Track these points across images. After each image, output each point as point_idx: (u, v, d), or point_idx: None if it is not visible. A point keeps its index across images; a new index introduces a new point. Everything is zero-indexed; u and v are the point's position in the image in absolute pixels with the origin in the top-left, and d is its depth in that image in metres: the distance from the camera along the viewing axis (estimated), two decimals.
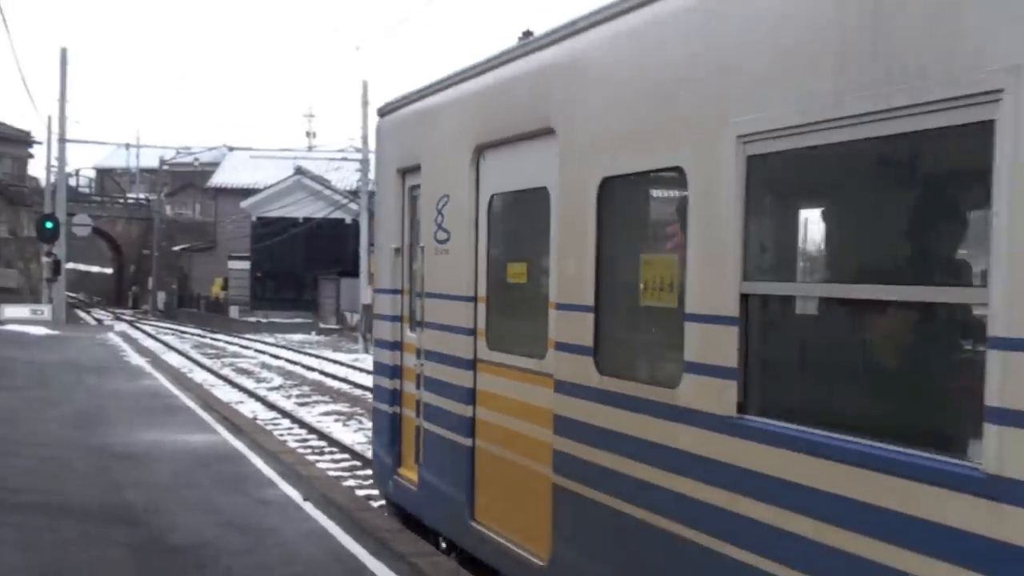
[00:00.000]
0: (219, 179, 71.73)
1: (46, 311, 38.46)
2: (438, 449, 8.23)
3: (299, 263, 57.66)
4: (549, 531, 6.42)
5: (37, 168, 79.65)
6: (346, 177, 57.74)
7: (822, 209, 5.05)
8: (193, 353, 35.63)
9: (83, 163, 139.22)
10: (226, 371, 29.16)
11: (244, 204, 60.74)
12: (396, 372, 9.31)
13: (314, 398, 22.78)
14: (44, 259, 41.26)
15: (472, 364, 7.66)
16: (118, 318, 62.65)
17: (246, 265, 60.61)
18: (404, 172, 9.24)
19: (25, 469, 11.00)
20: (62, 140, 43.65)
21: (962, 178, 4.20)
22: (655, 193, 5.93)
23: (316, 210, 56.31)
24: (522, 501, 6.86)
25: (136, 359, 24.03)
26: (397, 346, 9.32)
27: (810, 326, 4.87)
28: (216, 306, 61.28)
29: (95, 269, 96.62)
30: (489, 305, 7.56)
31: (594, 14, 6.12)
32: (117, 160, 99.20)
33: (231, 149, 69.33)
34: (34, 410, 15.33)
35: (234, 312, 57.06)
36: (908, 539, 3.87)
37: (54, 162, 46.79)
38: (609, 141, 5.87)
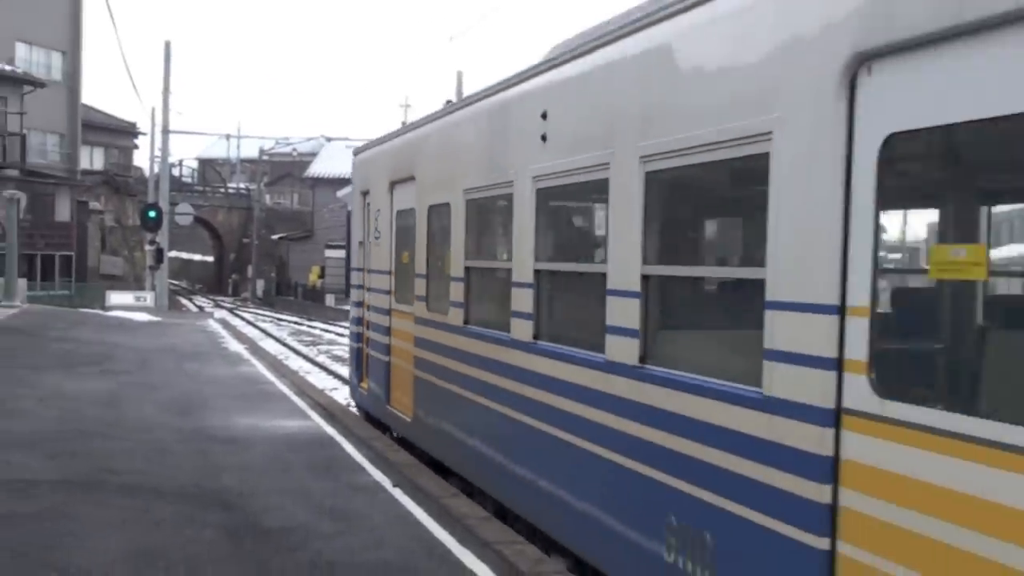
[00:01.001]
0: (316, 169, 72.70)
1: (149, 298, 39.40)
2: (375, 366, 13.49)
3: None
4: (412, 402, 11.60)
5: (141, 158, 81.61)
6: None
7: (500, 226, 9.48)
8: (290, 340, 36.24)
9: (186, 153, 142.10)
10: (321, 358, 29.61)
11: (340, 193, 61.48)
12: (360, 321, 14.53)
13: None
14: (148, 247, 42.24)
15: (388, 312, 12.83)
16: (218, 305, 63.99)
17: (342, 254, 61.34)
18: (364, 193, 14.31)
19: (126, 451, 11.31)
20: (165, 131, 44.59)
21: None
22: (444, 215, 10.39)
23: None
24: (406, 389, 11.87)
25: (234, 346, 24.51)
26: (360, 304, 14.54)
27: (483, 282, 9.75)
28: (313, 294, 62.23)
29: (197, 257, 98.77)
30: (395, 276, 12.65)
31: (426, 117, 11.49)
32: (218, 150, 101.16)
33: (328, 139, 70.15)
34: (136, 394, 15.74)
35: (330, 300, 57.88)
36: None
37: (158, 152, 47.85)
38: (431, 186, 10.98)
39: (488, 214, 9.72)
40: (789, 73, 5.04)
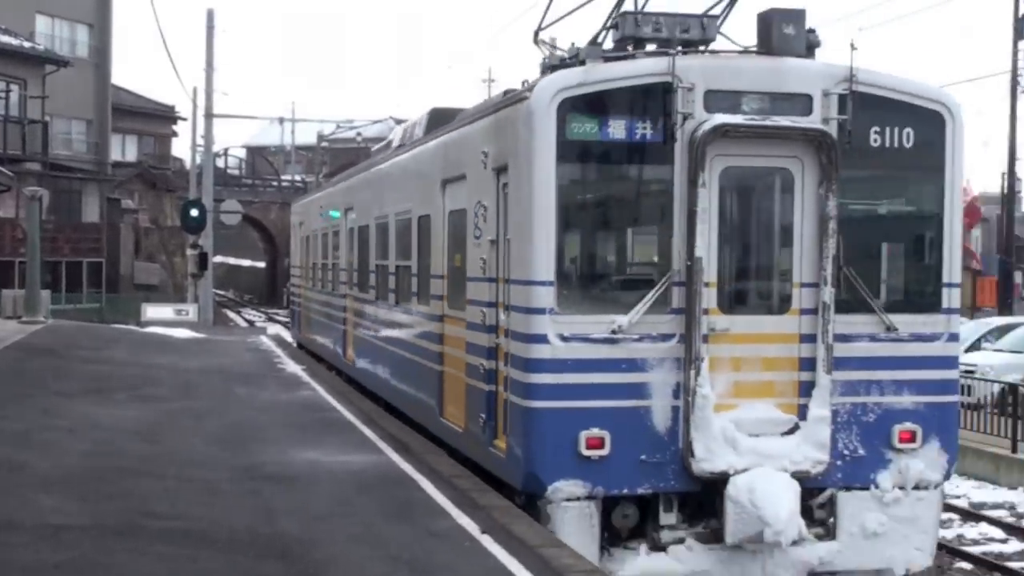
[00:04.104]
0: None
1: (191, 311, 40.04)
2: (297, 316, 31.90)
3: None
4: (307, 328, 29.13)
5: (181, 147, 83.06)
6: None
7: (324, 247, 26.63)
8: None
9: (232, 141, 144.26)
10: None
11: None
12: (298, 295, 31.49)
13: None
14: (189, 252, 42.99)
15: (300, 287, 31.21)
16: (271, 319, 64.90)
17: None
18: (292, 226, 34.82)
19: (168, 492, 11.53)
20: (209, 115, 45.32)
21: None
22: (315, 240, 27.83)
23: None
24: (307, 323, 29.09)
25: (291, 367, 24.81)
26: (295, 284, 32.54)
27: (318, 271, 27.49)
28: None
29: (246, 263, 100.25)
30: (303, 267, 30.29)
31: (308, 194, 34.20)
32: (270, 137, 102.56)
33: (398, 122, 70.69)
34: (178, 424, 16.04)
35: None
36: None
37: (200, 140, 48.69)
38: (309, 225, 29.10)
39: (323, 240, 25.88)
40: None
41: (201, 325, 38.89)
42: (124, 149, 69.29)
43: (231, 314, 69.62)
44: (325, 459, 13.63)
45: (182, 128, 74.55)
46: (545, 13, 12.93)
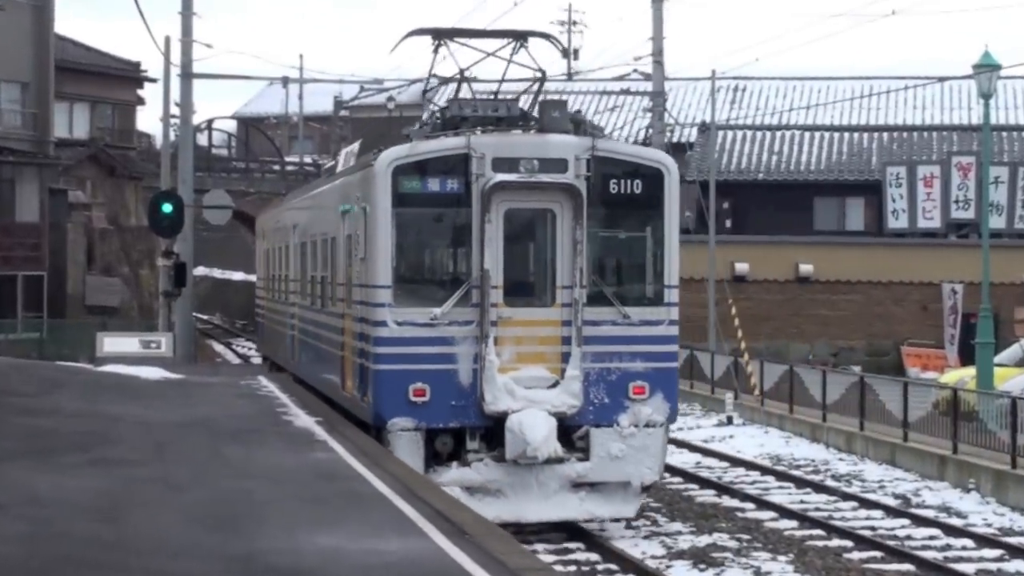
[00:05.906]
0: None
1: (163, 343, 40.26)
2: (265, 333, 44.74)
3: None
4: (265, 340, 47.15)
5: (149, 119, 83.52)
6: (628, 122, 57.80)
7: (282, 259, 39.00)
8: None
9: (219, 110, 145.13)
10: None
11: None
12: (261, 307, 45.55)
13: None
14: (160, 262, 43.35)
15: (263, 297, 45.13)
16: None
17: None
18: (256, 237, 51.21)
19: None
20: (187, 75, 45.50)
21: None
22: (272, 253, 41.11)
23: None
24: (270, 336, 42.80)
25: (301, 418, 24.84)
26: (259, 297, 46.83)
27: (275, 283, 41.04)
28: None
29: (237, 276, 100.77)
30: (264, 279, 44.66)
31: (270, 210, 47.11)
32: (269, 104, 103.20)
33: (444, 82, 71.04)
34: (148, 497, 16.07)
35: None
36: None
37: (174, 109, 49.01)
38: (270, 239, 42.60)
39: (278, 254, 38.46)
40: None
41: (177, 362, 39.09)
42: (72, 122, 69.77)
43: (218, 346, 70.13)
44: (349, 546, 13.62)
45: (151, 93, 75.20)
46: (427, 79, 26.10)
